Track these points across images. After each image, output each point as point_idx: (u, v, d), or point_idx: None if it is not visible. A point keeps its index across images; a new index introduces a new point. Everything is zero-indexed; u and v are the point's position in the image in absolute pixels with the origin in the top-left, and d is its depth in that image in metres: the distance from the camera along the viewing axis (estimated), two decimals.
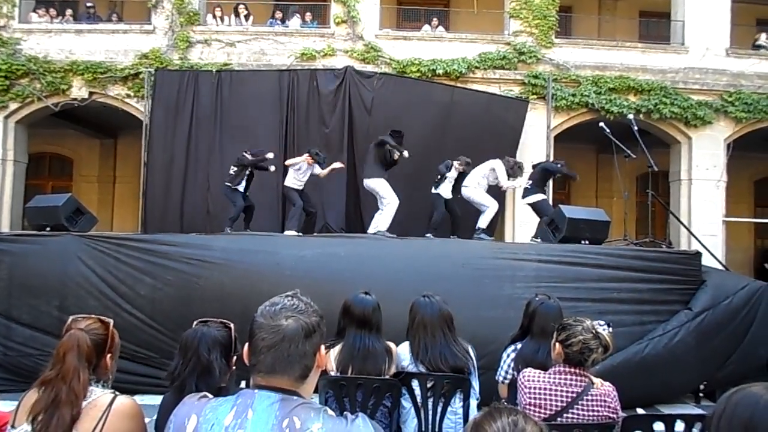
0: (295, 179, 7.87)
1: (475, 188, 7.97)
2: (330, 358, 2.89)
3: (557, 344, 2.43)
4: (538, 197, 7.97)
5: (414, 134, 9.07)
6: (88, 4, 12.07)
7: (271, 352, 1.30)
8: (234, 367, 2.28)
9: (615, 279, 5.69)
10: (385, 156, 7.63)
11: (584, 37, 12.28)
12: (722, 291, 5.81)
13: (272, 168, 8.16)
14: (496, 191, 8.40)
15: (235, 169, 7.92)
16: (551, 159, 10.59)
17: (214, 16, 11.27)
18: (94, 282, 5.56)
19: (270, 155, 8.04)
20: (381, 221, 7.62)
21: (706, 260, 6.50)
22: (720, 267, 7.52)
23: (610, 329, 2.46)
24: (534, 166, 8.38)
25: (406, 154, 7.64)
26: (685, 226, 10.06)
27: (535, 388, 2.42)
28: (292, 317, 1.33)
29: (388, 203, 7.62)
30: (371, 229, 7.69)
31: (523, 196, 8.14)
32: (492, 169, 7.93)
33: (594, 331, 2.38)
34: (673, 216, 10.26)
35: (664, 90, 10.83)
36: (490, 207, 7.93)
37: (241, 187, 7.94)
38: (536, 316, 3.06)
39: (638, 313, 5.63)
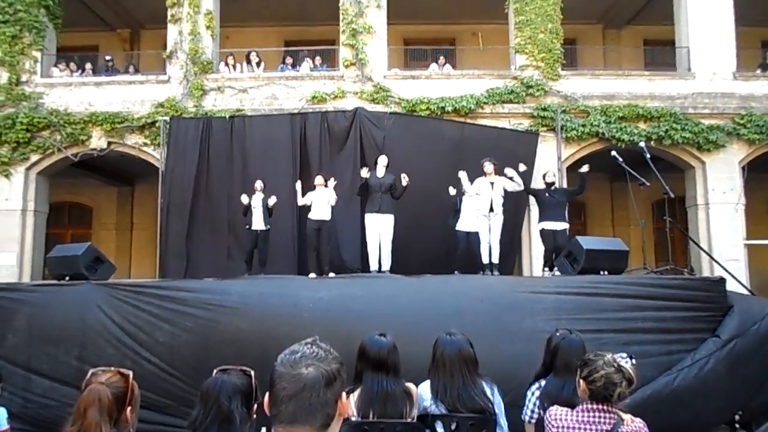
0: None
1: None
2: (350, 404, 2.84)
3: (581, 381, 2.37)
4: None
5: (426, 171, 9.17)
6: (107, 58, 12.53)
7: (293, 402, 1.29)
8: (255, 416, 2.25)
9: (638, 308, 5.57)
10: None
11: (590, 68, 12.40)
12: (749, 316, 5.65)
13: (273, 199, 8.38)
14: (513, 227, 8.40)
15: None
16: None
17: (227, 65, 11.60)
18: (113, 330, 5.57)
19: (272, 200, 8.35)
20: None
21: (731, 285, 6.35)
22: (745, 292, 7.35)
23: (633, 361, 2.40)
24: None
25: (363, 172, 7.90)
26: (706, 252, 9.88)
27: (562, 427, 2.35)
28: (313, 365, 1.31)
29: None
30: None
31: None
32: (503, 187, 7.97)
33: (616, 365, 2.32)
34: (693, 242, 10.10)
35: (674, 116, 10.83)
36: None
37: (254, 227, 8.21)
38: (559, 352, 3.00)
39: (664, 342, 5.49)
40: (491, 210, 7.88)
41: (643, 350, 5.36)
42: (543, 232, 8.17)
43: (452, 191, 8.12)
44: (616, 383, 2.30)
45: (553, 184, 8.37)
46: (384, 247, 7.85)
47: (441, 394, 2.89)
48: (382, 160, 8.03)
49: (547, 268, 8.22)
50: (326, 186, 8.17)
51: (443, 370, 2.91)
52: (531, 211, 9.91)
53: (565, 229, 8.24)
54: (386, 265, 7.87)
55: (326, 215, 8.07)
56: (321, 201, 8.08)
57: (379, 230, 7.88)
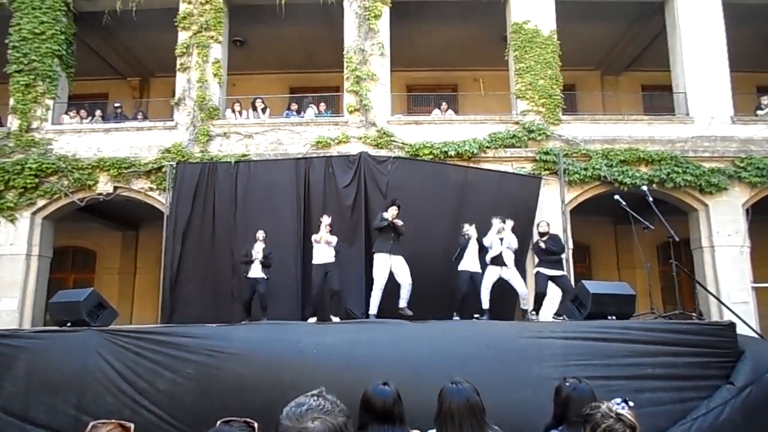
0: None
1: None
2: None
3: None
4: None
5: (430, 215, 9.21)
6: (116, 105, 12.81)
7: None
8: None
9: (647, 354, 5.48)
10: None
11: (590, 113, 12.61)
12: (763, 362, 5.54)
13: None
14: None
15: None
16: (569, 233, 10.58)
17: (233, 111, 11.84)
18: (112, 378, 5.48)
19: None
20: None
21: (740, 329, 6.24)
22: (755, 335, 7.22)
23: (630, 404, 2.32)
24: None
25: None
26: (714, 296, 9.77)
27: None
28: (319, 419, 1.28)
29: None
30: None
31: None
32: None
33: (614, 414, 2.24)
34: (701, 286, 10.00)
35: (675, 159, 10.92)
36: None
37: (251, 274, 8.32)
38: (571, 403, 2.92)
39: (677, 389, 5.37)
40: (504, 264, 8.06)
41: (655, 397, 5.24)
42: (537, 275, 8.30)
43: (470, 232, 8.15)
44: None
45: (546, 233, 8.47)
46: (404, 285, 7.87)
47: None
48: (392, 212, 8.05)
49: (534, 313, 8.31)
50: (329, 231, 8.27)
51: (450, 421, 2.82)
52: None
53: (563, 275, 8.34)
54: (404, 302, 7.84)
55: (330, 258, 8.14)
56: (325, 245, 8.14)
57: (392, 270, 7.91)
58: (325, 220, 8.34)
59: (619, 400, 2.32)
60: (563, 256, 8.59)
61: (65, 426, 5.26)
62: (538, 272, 8.24)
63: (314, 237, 8.27)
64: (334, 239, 8.19)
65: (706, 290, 9.86)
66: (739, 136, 11.27)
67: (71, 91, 12.41)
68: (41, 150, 11.32)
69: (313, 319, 7.80)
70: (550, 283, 8.09)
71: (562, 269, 8.35)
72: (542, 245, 8.29)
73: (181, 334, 5.82)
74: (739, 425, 5.16)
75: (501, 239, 8.07)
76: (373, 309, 7.84)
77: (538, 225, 8.80)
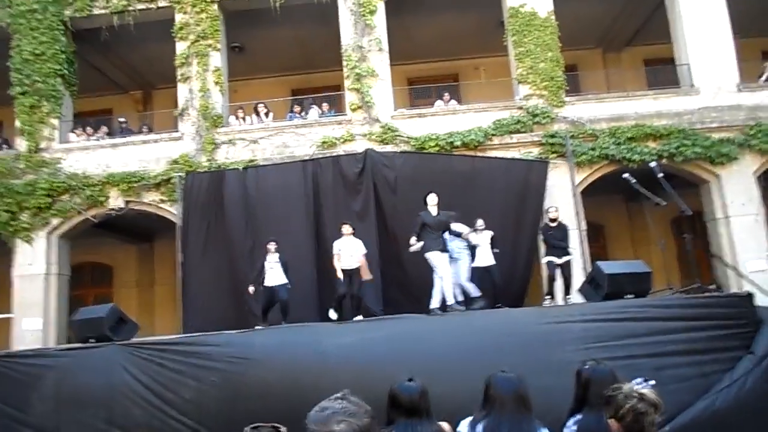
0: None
1: None
2: None
3: (611, 421, 2.31)
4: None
5: (441, 207, 9.20)
6: (121, 119, 12.93)
7: None
8: None
9: (667, 331, 5.47)
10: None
11: (594, 92, 12.49)
12: None
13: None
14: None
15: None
16: (581, 214, 10.55)
17: (237, 117, 11.89)
18: (139, 390, 5.58)
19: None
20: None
21: (759, 298, 6.20)
22: None
23: (651, 383, 2.32)
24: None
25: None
26: (730, 267, 9.69)
27: None
28: (344, 422, 1.31)
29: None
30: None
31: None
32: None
33: (637, 394, 2.25)
34: (717, 258, 9.92)
35: (683, 132, 10.81)
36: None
37: (267, 283, 8.34)
38: (591, 385, 2.93)
39: (698, 364, 5.36)
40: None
41: (678, 373, 5.24)
42: (548, 265, 8.64)
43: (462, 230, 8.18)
44: (644, 412, 2.23)
45: (555, 219, 8.62)
46: (446, 282, 7.68)
47: (491, 428, 2.82)
48: (432, 199, 7.74)
49: (549, 297, 8.72)
50: (353, 234, 8.20)
51: (500, 409, 2.85)
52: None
53: (569, 261, 8.52)
54: (450, 299, 7.63)
55: (355, 263, 8.07)
56: (350, 249, 8.07)
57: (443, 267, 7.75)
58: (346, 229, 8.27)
59: (639, 379, 2.33)
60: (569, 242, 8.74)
61: None
62: (549, 262, 8.54)
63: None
64: (363, 249, 8.16)
65: (722, 261, 9.80)
66: (747, 104, 11.12)
67: (76, 109, 12.54)
68: (51, 170, 11.46)
69: (334, 315, 7.84)
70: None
71: (568, 255, 8.54)
72: (548, 237, 8.56)
73: (203, 343, 5.90)
74: (763, 394, 5.14)
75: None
76: (450, 299, 7.64)
77: (547, 211, 8.81)
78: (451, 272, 7.68)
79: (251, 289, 8.54)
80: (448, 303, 7.51)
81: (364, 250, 8.15)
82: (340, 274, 7.97)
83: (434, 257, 7.57)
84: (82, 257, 13.86)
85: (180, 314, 10.13)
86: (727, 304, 5.76)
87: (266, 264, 8.39)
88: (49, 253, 11.34)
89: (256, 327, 7.84)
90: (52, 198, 11.28)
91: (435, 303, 7.49)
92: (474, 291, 8.19)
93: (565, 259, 8.45)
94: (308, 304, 9.05)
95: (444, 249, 7.69)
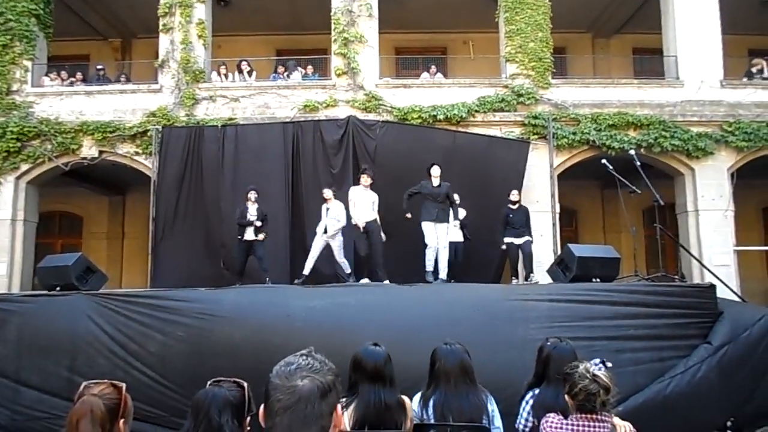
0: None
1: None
2: (345, 416, 2.82)
3: (567, 397, 2.40)
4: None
5: (418, 179, 9.18)
6: (98, 67, 12.50)
7: (288, 414, 1.28)
8: (249, 428, 2.24)
9: (629, 316, 5.60)
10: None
11: (580, 77, 12.53)
12: (740, 323, 5.69)
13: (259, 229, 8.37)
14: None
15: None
16: (556, 197, 10.67)
17: (219, 74, 11.61)
18: (104, 340, 5.53)
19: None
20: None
21: (721, 291, 6.40)
22: (735, 298, 7.41)
23: (607, 365, 2.41)
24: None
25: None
26: (696, 258, 9.96)
27: None
28: (308, 377, 1.31)
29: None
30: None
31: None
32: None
33: (590, 375, 2.34)
34: (684, 249, 10.18)
35: (663, 124, 10.94)
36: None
37: (247, 237, 8.27)
38: (551, 362, 3.01)
39: (656, 349, 5.52)
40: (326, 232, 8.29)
41: (635, 357, 5.39)
42: (509, 246, 8.71)
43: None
44: (595, 393, 2.33)
45: (517, 202, 8.87)
46: (441, 256, 7.77)
47: (439, 404, 2.87)
48: (435, 171, 7.89)
49: (515, 278, 8.93)
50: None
51: (445, 380, 2.90)
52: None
53: (528, 241, 8.72)
54: (443, 274, 7.74)
55: (371, 215, 7.95)
56: (365, 201, 7.98)
57: (437, 238, 7.79)
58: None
59: (597, 361, 2.41)
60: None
61: (58, 387, 5.32)
62: (509, 243, 8.68)
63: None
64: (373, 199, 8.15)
65: (689, 253, 10.05)
66: (728, 100, 11.29)
67: (50, 52, 12.09)
68: (22, 113, 11.09)
69: (365, 281, 7.86)
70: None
71: (528, 235, 8.74)
72: (510, 219, 8.69)
73: (171, 297, 5.85)
74: (714, 383, 5.34)
75: (327, 209, 8.23)
76: (430, 268, 7.82)
77: (510, 193, 8.89)
78: (435, 242, 7.75)
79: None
80: (428, 270, 7.70)
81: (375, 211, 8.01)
82: (360, 224, 7.86)
83: (425, 227, 7.68)
84: (52, 206, 13.56)
85: (149, 269, 10.03)
86: (689, 294, 5.91)
87: (248, 214, 8.33)
88: (16, 199, 11.06)
89: (235, 286, 7.82)
90: (22, 142, 10.94)
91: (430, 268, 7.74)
92: (346, 268, 8.28)
93: (524, 239, 8.63)
94: (280, 265, 9.04)
95: (440, 219, 7.76)
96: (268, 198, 9.18)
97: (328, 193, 8.29)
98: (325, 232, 8.10)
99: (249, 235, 8.32)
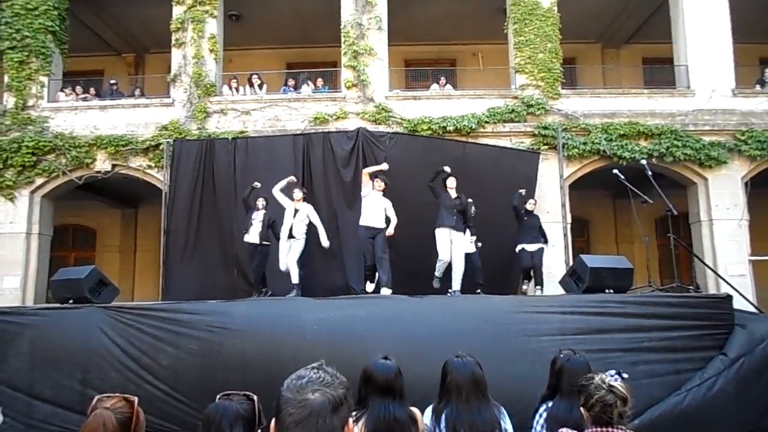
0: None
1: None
2: (356, 430, 2.80)
3: (582, 409, 2.36)
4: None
5: (428, 191, 9.18)
6: (112, 81, 12.69)
7: (299, 428, 1.28)
8: None
9: (643, 327, 5.53)
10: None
11: (590, 87, 12.50)
12: (757, 334, 5.60)
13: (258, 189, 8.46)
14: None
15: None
16: (567, 207, 10.61)
17: (230, 87, 11.74)
18: (116, 354, 5.55)
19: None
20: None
21: (737, 302, 6.31)
22: (752, 308, 7.30)
23: (624, 376, 2.37)
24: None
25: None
26: (711, 269, 9.83)
27: None
28: (319, 391, 1.31)
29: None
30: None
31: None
32: None
33: (606, 386, 2.29)
34: (698, 259, 10.06)
35: (675, 133, 10.87)
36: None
37: (249, 238, 8.35)
38: (564, 374, 2.97)
39: (672, 361, 5.44)
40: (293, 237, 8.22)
41: (650, 369, 5.32)
42: (521, 252, 8.55)
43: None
44: (612, 404, 2.28)
45: (531, 212, 8.74)
46: (456, 267, 7.69)
47: (451, 419, 2.84)
48: (451, 182, 7.85)
49: (525, 284, 8.82)
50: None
51: (456, 394, 2.86)
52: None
53: (541, 249, 8.59)
54: (456, 284, 7.65)
55: (381, 222, 7.79)
56: (376, 206, 7.82)
57: (451, 247, 7.70)
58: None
59: (613, 372, 2.37)
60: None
61: (70, 401, 5.35)
62: (522, 249, 8.52)
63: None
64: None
65: (703, 263, 9.92)
66: (740, 109, 11.20)
67: (66, 68, 12.28)
68: (38, 128, 11.26)
69: (370, 287, 7.84)
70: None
71: (542, 243, 8.64)
72: (524, 220, 8.56)
73: (183, 310, 5.87)
74: (731, 395, 5.25)
75: (296, 210, 8.14)
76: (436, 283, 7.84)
77: (527, 201, 8.84)
78: (448, 255, 7.67)
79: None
80: (436, 276, 7.72)
81: (393, 216, 7.84)
82: (390, 231, 7.74)
83: (439, 235, 7.68)
84: (66, 219, 13.71)
85: (160, 282, 10.08)
86: (705, 305, 5.83)
87: (253, 217, 8.39)
88: (31, 212, 11.20)
89: (263, 290, 8.04)
90: (37, 157, 11.10)
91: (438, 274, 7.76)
92: (294, 278, 8.04)
93: (537, 246, 8.50)
94: (286, 277, 9.02)
95: (457, 228, 7.70)
96: (278, 209, 9.21)
97: (298, 194, 8.16)
98: (291, 235, 7.93)
99: (252, 237, 8.33)
